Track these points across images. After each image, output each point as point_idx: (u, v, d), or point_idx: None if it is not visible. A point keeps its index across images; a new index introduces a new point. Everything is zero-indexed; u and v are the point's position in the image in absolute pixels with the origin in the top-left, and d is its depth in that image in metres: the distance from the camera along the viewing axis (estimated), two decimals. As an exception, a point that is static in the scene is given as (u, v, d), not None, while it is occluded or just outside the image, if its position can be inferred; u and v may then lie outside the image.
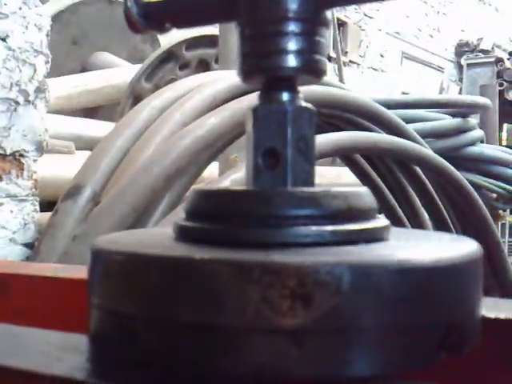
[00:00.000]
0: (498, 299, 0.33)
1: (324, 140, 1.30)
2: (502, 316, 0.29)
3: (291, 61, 0.26)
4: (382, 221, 0.27)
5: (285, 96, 0.27)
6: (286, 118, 0.26)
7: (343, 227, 0.24)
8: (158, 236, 0.29)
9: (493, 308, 0.30)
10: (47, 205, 1.24)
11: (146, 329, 0.23)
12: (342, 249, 0.24)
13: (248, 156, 0.27)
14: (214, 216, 0.26)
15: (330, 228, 0.24)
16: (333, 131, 1.42)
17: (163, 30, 0.30)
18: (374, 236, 0.25)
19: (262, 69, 0.27)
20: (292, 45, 0.26)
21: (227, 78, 1.25)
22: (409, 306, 0.22)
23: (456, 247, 0.25)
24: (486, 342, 0.27)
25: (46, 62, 1.06)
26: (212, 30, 3.15)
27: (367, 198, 0.26)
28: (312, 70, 0.27)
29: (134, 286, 0.23)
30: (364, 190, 0.27)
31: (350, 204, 0.25)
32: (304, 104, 0.27)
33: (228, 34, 1.92)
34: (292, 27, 0.26)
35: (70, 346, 0.26)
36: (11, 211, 1.02)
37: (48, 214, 1.00)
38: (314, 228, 0.24)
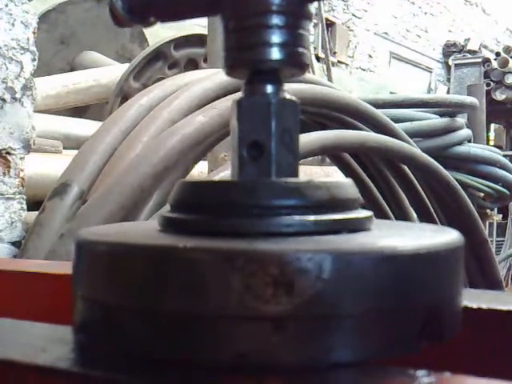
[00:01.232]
0: (481, 290, 0.34)
1: (312, 138, 1.30)
2: (484, 306, 0.29)
3: (275, 53, 0.26)
4: (364, 211, 0.27)
5: (269, 88, 0.27)
6: (270, 110, 0.27)
7: (326, 217, 0.25)
8: (143, 228, 0.29)
9: (475, 298, 0.30)
10: (34, 204, 1.24)
11: (130, 318, 0.23)
12: (324, 238, 0.24)
13: (233, 148, 0.27)
14: (198, 207, 0.26)
15: (312, 218, 0.24)
16: (321, 130, 1.43)
17: (147, 24, 0.30)
18: (356, 226, 0.26)
19: (246, 62, 0.27)
20: (275, 38, 0.26)
21: (215, 76, 1.25)
22: (389, 293, 0.22)
23: (437, 236, 0.25)
24: (468, 332, 0.28)
25: (33, 60, 1.05)
26: (201, 29, 3.15)
27: (350, 189, 0.27)
28: (295, 63, 0.27)
29: (117, 276, 0.24)
30: (347, 181, 0.27)
31: (333, 194, 0.25)
32: (288, 96, 0.27)
33: (216, 34, 1.92)
34: (275, 20, 0.26)
35: (55, 337, 0.26)
36: (-2, 209, 1.01)
37: (35, 214, 1.00)
38: (296, 218, 0.24)
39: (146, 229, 0.28)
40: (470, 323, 0.28)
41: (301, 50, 0.27)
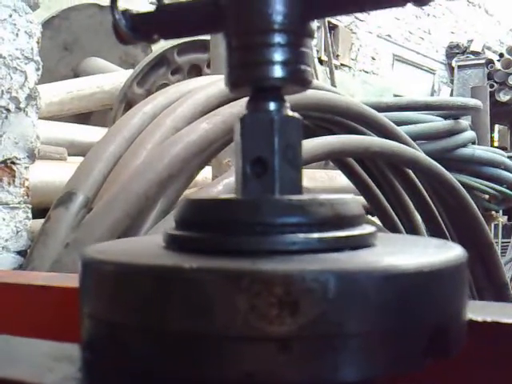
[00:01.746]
0: (486, 302, 0.34)
1: (316, 144, 1.30)
2: (489, 319, 0.29)
3: (277, 71, 0.27)
4: (368, 227, 0.27)
5: (272, 105, 0.27)
6: (273, 126, 0.27)
7: (330, 234, 0.25)
8: (148, 245, 0.29)
9: (480, 311, 0.30)
10: (40, 212, 1.24)
11: (136, 337, 0.23)
12: (329, 256, 0.24)
13: (236, 164, 0.28)
14: (203, 225, 0.26)
15: (316, 235, 0.25)
16: (324, 135, 1.43)
17: (151, 41, 0.30)
18: (360, 242, 0.26)
19: (249, 79, 0.27)
20: (278, 56, 0.26)
21: (219, 82, 1.25)
22: (394, 311, 0.22)
23: (441, 253, 0.25)
24: (473, 345, 0.28)
25: (37, 69, 1.06)
26: (203, 35, 3.16)
27: (353, 205, 0.27)
28: (298, 80, 0.27)
29: (123, 295, 0.24)
30: (350, 197, 0.27)
31: (337, 211, 0.26)
32: (291, 113, 0.28)
33: (219, 39, 1.93)
34: (278, 38, 0.26)
35: (62, 355, 0.26)
36: (3, 219, 1.01)
37: (40, 221, 1.00)
38: (301, 235, 0.24)
39: (150, 246, 0.28)
40: (475, 336, 0.28)
41: (303, 67, 0.27)
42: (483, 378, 0.29)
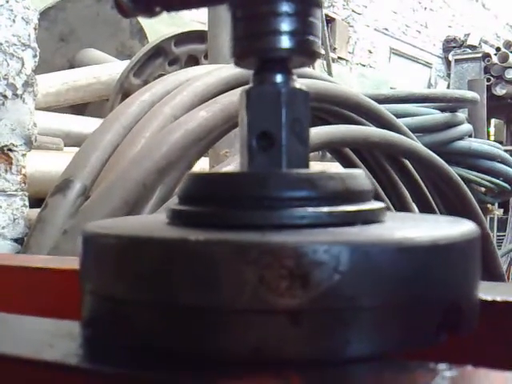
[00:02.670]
0: (495, 283, 0.33)
1: (313, 133, 1.30)
2: (499, 299, 0.29)
3: (284, 42, 0.26)
4: (377, 203, 0.26)
5: (278, 78, 0.27)
6: (280, 99, 0.26)
7: (340, 208, 0.24)
8: (151, 221, 0.28)
9: (490, 291, 0.30)
10: (36, 201, 1.23)
11: (141, 313, 0.23)
12: (340, 229, 0.23)
13: (242, 138, 0.27)
14: (209, 199, 0.25)
15: (326, 209, 0.24)
16: (322, 125, 1.42)
17: (153, 14, 0.30)
18: (370, 217, 0.25)
19: (255, 50, 0.26)
20: (285, 25, 0.26)
21: (217, 71, 1.25)
22: (408, 285, 0.22)
23: (454, 227, 0.24)
24: (482, 325, 0.27)
25: (34, 56, 1.05)
26: (201, 26, 3.14)
27: (363, 180, 0.26)
28: (305, 51, 0.26)
29: (128, 269, 0.23)
30: (359, 171, 0.26)
31: (347, 185, 0.25)
32: (298, 85, 0.27)
33: (217, 30, 1.92)
34: (285, 7, 0.25)
35: (63, 332, 0.26)
36: (0, 206, 1.01)
37: (37, 211, 1.00)
38: (310, 209, 0.24)
39: (153, 222, 0.28)
40: (485, 316, 0.28)
41: (311, 38, 0.26)
42: (493, 358, 0.28)
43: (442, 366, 0.20)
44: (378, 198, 1.67)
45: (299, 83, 0.27)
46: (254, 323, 0.21)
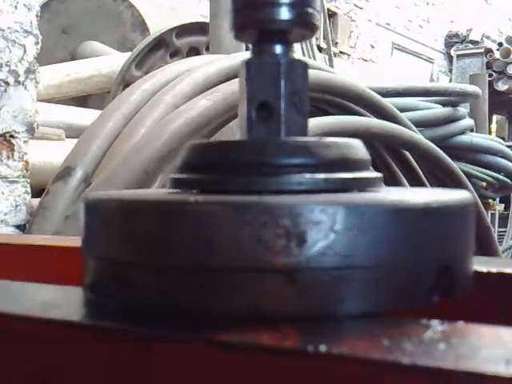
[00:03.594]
0: (490, 257, 0.34)
1: (315, 124, 1.30)
2: (494, 270, 0.30)
3: (284, 13, 0.26)
4: (374, 172, 0.27)
5: (278, 49, 0.27)
6: (279, 70, 0.27)
7: (336, 175, 0.25)
8: (153, 191, 0.29)
9: (485, 263, 0.30)
10: (38, 191, 1.24)
11: (143, 273, 0.23)
12: (336, 194, 0.24)
13: (241, 109, 0.27)
14: (208, 167, 0.26)
15: (323, 176, 0.24)
16: (323, 116, 1.42)
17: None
18: (366, 185, 0.26)
19: (255, 22, 0.27)
20: None
21: (218, 61, 1.25)
22: (402, 246, 0.22)
23: (448, 194, 0.25)
24: (478, 296, 0.28)
25: (36, 43, 1.05)
26: (202, 18, 3.14)
27: (360, 149, 0.26)
28: (305, 23, 0.27)
29: (129, 232, 0.24)
30: (357, 141, 0.27)
31: (343, 153, 0.25)
32: (297, 57, 0.27)
33: (218, 22, 1.92)
34: (284, -21, 0.26)
35: (65, 295, 0.26)
36: (2, 193, 1.01)
37: (39, 200, 1.00)
38: (307, 176, 0.24)
39: (156, 191, 0.28)
40: (481, 286, 0.28)
41: (310, 10, 0.27)
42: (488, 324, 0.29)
43: (434, 322, 0.20)
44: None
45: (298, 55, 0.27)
46: (251, 281, 0.21)
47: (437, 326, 0.20)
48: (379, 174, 0.27)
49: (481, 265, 0.30)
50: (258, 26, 0.27)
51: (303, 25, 0.27)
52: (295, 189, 0.24)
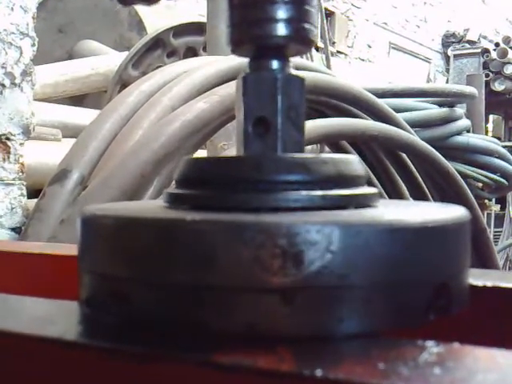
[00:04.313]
0: (485, 270, 0.34)
1: (313, 126, 1.30)
2: (490, 284, 0.30)
3: (281, 29, 0.26)
4: (370, 188, 0.27)
5: (275, 64, 0.27)
6: (276, 85, 0.27)
7: (333, 192, 0.25)
8: (149, 204, 0.29)
9: (480, 276, 0.30)
10: (34, 192, 1.23)
11: (139, 291, 0.23)
12: (332, 212, 0.24)
13: (238, 124, 0.27)
14: (205, 183, 0.26)
15: (319, 193, 0.24)
16: (320, 118, 1.42)
17: (151, 2, 0.30)
18: (363, 202, 0.26)
19: (252, 37, 0.27)
20: (281, 13, 0.26)
21: (216, 63, 1.25)
22: (398, 265, 0.22)
23: (444, 211, 0.25)
24: (474, 310, 0.28)
25: (33, 45, 1.05)
26: (199, 17, 3.14)
27: (356, 165, 0.27)
28: (301, 39, 0.27)
29: (126, 249, 0.24)
30: (353, 157, 0.27)
31: (340, 170, 0.25)
32: (294, 72, 0.27)
33: (216, 21, 1.91)
34: (281, -5, 0.26)
35: (61, 310, 0.26)
36: (-2, 195, 1.01)
37: (35, 201, 1.00)
38: (303, 193, 0.24)
39: (151, 205, 0.28)
40: (476, 301, 0.28)
41: (307, 26, 0.27)
42: (483, 341, 0.29)
43: (429, 343, 0.20)
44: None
45: (295, 71, 0.27)
46: (248, 301, 0.21)
47: (432, 348, 0.20)
48: (375, 190, 0.27)
49: (476, 278, 0.30)
50: (254, 41, 0.27)
51: (300, 40, 0.27)
52: (292, 206, 0.24)
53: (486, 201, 4.36)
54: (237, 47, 0.28)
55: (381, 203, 0.27)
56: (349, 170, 0.26)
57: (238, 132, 0.28)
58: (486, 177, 3.87)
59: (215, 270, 0.22)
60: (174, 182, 0.28)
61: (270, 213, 0.23)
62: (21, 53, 1.02)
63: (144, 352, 0.21)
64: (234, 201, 0.24)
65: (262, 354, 0.20)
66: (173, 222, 0.23)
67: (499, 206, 5.75)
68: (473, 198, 1.84)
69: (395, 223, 0.22)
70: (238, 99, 0.28)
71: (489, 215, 5.67)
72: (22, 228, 1.03)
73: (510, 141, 7.28)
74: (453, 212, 0.25)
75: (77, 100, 2.89)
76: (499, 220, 6.01)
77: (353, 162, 0.26)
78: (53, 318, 0.25)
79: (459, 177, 1.80)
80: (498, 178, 3.92)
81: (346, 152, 1.65)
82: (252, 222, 0.21)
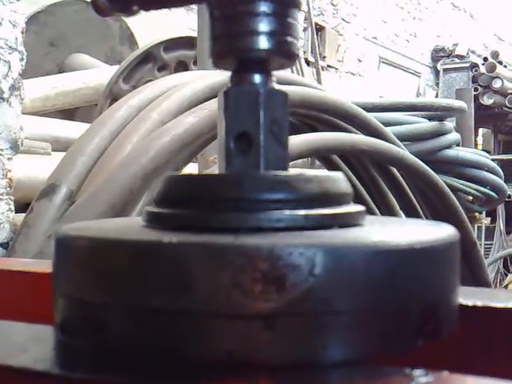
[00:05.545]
0: (476, 288, 0.33)
1: (302, 140, 1.29)
2: (480, 303, 0.29)
3: (263, 42, 0.25)
4: (356, 206, 0.26)
5: (257, 78, 0.26)
6: (259, 100, 0.26)
7: (317, 211, 0.24)
8: (126, 223, 0.28)
9: (470, 296, 0.30)
10: (23, 206, 1.22)
11: (114, 316, 0.22)
12: (316, 233, 0.23)
13: (220, 140, 0.26)
14: (185, 201, 0.25)
15: (303, 212, 0.23)
16: (310, 132, 1.42)
17: (131, 13, 0.29)
18: (348, 221, 0.25)
19: (234, 50, 0.26)
20: (264, 26, 0.25)
21: (206, 77, 1.24)
22: (384, 289, 0.21)
23: (432, 231, 0.24)
24: (463, 330, 0.27)
25: (21, 60, 1.04)
26: (190, 32, 3.15)
27: (341, 183, 0.26)
28: (284, 52, 0.26)
29: (99, 272, 0.22)
30: (338, 174, 0.26)
31: (324, 188, 0.25)
32: (277, 87, 0.26)
33: (206, 35, 1.91)
34: (263, 8, 0.25)
35: (37, 336, 0.25)
36: (-16, 211, 0.99)
37: (23, 215, 0.98)
38: (286, 212, 0.23)
39: (129, 224, 0.27)
40: (465, 321, 0.28)
41: (290, 39, 0.26)
42: (473, 363, 0.28)
43: (417, 372, 0.19)
44: (365, 205, 1.67)
45: (278, 85, 0.26)
46: (227, 327, 0.20)
47: (420, 378, 0.19)
48: (361, 208, 0.26)
49: (466, 298, 0.29)
50: (236, 54, 0.26)
51: (282, 54, 0.26)
52: (274, 226, 0.23)
53: (477, 214, 4.37)
54: (218, 60, 0.27)
55: (367, 221, 0.26)
56: (334, 187, 0.25)
57: (219, 148, 0.27)
58: (476, 190, 3.88)
59: (193, 296, 0.20)
60: (154, 200, 0.27)
61: (252, 233, 0.22)
62: (9, 67, 1.02)
63: (118, 382, 0.20)
64: (213, 220, 0.23)
65: (242, 382, 0.19)
66: (148, 244, 0.22)
67: (489, 218, 5.77)
68: (462, 212, 1.84)
69: (381, 245, 0.21)
70: (219, 114, 0.27)
71: (479, 228, 5.68)
72: (10, 243, 1.01)
73: (499, 154, 7.33)
74: (441, 231, 0.24)
75: (67, 114, 2.88)
76: (489, 233, 6.03)
77: (338, 179, 0.26)
78: (27, 344, 0.24)
79: (449, 190, 1.80)
80: (487, 191, 3.93)
81: (336, 166, 1.65)
82: (231, 244, 0.20)
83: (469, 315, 0.28)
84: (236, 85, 0.26)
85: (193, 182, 0.25)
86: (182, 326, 0.21)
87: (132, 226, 0.26)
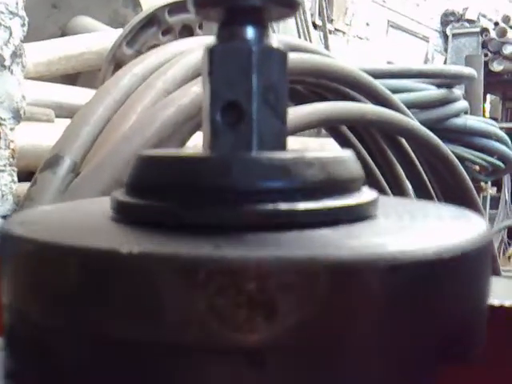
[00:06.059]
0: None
1: (310, 110, 1.24)
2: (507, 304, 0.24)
3: None
4: (368, 194, 0.21)
5: (250, 32, 0.21)
6: (251, 60, 0.20)
7: (320, 204, 0.19)
8: (92, 213, 0.23)
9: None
10: (26, 175, 1.19)
11: (61, 341, 0.17)
12: (319, 234, 0.18)
13: (204, 111, 0.21)
14: (160, 189, 0.20)
15: (303, 206, 0.18)
16: (318, 101, 1.36)
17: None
18: (358, 214, 0.20)
19: None
20: None
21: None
22: (403, 314, 0.16)
23: (461, 228, 0.19)
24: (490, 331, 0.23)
25: (23, 25, 0.98)
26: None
27: (350, 165, 0.20)
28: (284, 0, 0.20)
29: (43, 285, 0.17)
30: (347, 154, 0.21)
31: (329, 173, 0.19)
32: (275, 44, 0.21)
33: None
34: None
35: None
36: (-12, 182, 0.95)
37: (27, 185, 0.95)
38: (283, 206, 0.18)
39: (94, 215, 0.22)
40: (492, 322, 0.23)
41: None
42: (501, 364, 0.24)
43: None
44: (372, 176, 1.62)
45: (277, 41, 0.21)
46: (202, 364, 0.16)
47: None
48: (373, 196, 0.21)
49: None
50: (224, 1, 0.20)
51: (281, 1, 0.20)
52: (267, 224, 0.18)
53: (483, 183, 4.33)
54: (201, 8, 0.21)
55: (381, 209, 0.21)
56: (341, 172, 0.20)
57: (204, 121, 0.22)
58: (483, 159, 3.83)
59: (159, 323, 0.16)
60: (125, 185, 0.22)
61: (237, 236, 0.17)
62: (10, 33, 0.96)
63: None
64: (192, 216, 0.18)
65: None
66: (104, 254, 0.16)
67: (495, 188, 5.72)
68: (470, 183, 1.79)
69: (401, 257, 0.16)
70: (203, 78, 0.21)
71: (484, 198, 5.63)
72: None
73: (507, 122, 7.22)
74: (471, 228, 0.19)
75: (70, 79, 2.82)
76: (495, 202, 5.98)
77: (345, 161, 0.20)
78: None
79: (457, 161, 1.75)
80: (494, 160, 3.88)
81: (344, 136, 1.60)
82: (208, 256, 0.15)
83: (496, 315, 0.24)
84: (224, 41, 0.21)
85: (167, 166, 0.20)
86: (145, 360, 0.16)
87: (94, 219, 0.21)
